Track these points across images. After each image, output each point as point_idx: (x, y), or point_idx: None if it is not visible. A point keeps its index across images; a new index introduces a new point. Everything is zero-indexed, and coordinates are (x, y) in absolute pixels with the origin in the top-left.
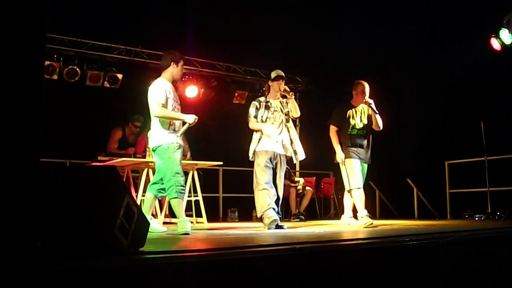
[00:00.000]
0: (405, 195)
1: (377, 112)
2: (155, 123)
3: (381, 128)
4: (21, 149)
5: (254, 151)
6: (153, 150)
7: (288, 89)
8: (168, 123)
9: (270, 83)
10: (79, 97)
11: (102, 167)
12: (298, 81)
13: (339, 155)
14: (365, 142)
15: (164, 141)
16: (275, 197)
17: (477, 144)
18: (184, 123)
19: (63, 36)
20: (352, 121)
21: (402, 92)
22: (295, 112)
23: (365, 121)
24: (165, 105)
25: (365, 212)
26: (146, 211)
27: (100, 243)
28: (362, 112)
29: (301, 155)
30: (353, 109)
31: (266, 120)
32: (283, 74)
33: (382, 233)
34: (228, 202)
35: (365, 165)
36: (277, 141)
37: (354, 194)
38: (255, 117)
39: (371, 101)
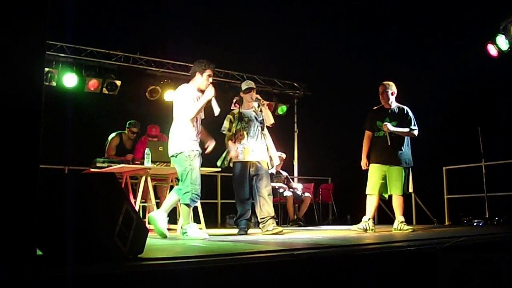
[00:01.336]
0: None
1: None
2: (178, 129)
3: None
4: (21, 156)
5: (231, 160)
6: (174, 156)
7: (260, 98)
8: (191, 130)
9: (242, 94)
10: (78, 103)
11: (101, 174)
12: (296, 87)
13: (362, 162)
14: (395, 143)
15: (185, 148)
16: (249, 211)
17: (474, 149)
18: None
19: (61, 43)
20: (379, 124)
21: (399, 98)
22: (268, 120)
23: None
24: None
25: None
26: (166, 208)
27: (99, 249)
28: (394, 113)
29: (276, 161)
30: (384, 112)
31: (242, 131)
32: (253, 85)
33: (380, 239)
34: (226, 209)
35: (397, 168)
36: (253, 150)
37: (367, 199)
38: (229, 130)
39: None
